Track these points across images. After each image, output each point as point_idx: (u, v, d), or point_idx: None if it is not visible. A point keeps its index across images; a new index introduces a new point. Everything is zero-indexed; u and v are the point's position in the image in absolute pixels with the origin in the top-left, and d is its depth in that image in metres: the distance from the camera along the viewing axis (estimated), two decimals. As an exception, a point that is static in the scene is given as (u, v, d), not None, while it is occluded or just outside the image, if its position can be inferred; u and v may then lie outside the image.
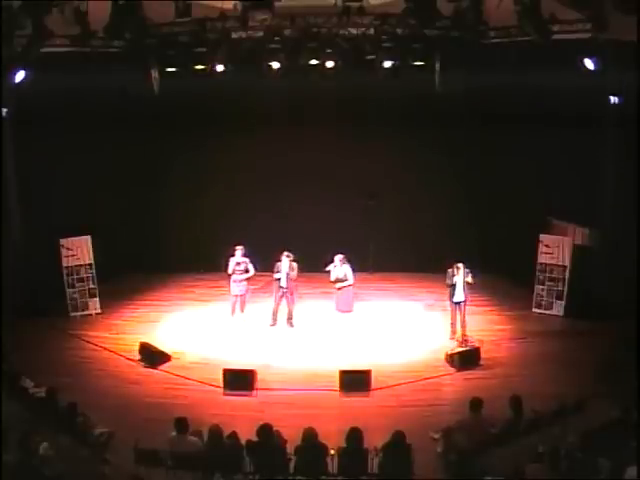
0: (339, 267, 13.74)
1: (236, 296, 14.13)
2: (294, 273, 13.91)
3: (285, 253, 13.88)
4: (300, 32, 13.68)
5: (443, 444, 9.39)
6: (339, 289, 13.81)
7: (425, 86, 14.36)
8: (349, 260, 13.89)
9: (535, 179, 14.96)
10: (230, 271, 13.96)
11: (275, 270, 13.93)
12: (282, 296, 14.11)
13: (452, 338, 13.39)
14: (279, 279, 13.96)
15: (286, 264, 13.86)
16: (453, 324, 13.44)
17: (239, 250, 13.93)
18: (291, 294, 14.10)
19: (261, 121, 15.90)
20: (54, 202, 14.96)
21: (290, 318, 14.22)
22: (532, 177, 15.01)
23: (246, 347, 13.22)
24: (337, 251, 14.06)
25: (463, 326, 13.33)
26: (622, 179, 13.35)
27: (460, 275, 13.02)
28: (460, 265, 13.04)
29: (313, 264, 15.58)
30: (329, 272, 13.84)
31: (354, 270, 13.96)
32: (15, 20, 10.43)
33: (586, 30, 12.06)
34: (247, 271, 13.93)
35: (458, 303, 13.26)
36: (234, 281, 14.03)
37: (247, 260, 13.95)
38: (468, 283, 13.04)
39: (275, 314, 14.21)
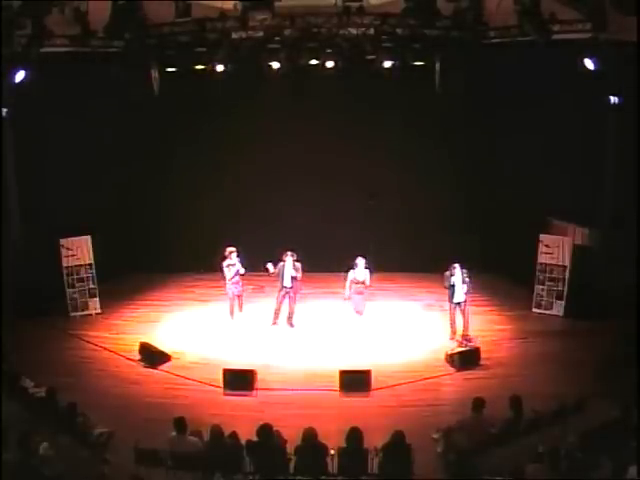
0: (361, 269, 13.65)
1: (234, 297, 14.17)
2: (300, 275, 13.89)
3: (288, 253, 13.85)
4: (300, 32, 13.69)
5: (443, 444, 9.39)
6: (358, 293, 13.72)
7: (425, 86, 14.38)
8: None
9: (535, 179, 14.95)
10: (232, 275, 13.95)
11: (277, 269, 13.85)
12: (285, 296, 14.09)
13: (452, 339, 13.39)
14: (282, 279, 13.90)
15: (289, 264, 13.84)
16: (453, 324, 13.44)
17: (234, 253, 13.93)
18: (294, 294, 14.08)
19: (261, 121, 15.91)
20: (54, 202, 14.94)
21: (290, 318, 14.21)
22: (532, 177, 15.00)
23: (246, 347, 13.21)
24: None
25: (466, 326, 13.33)
26: (622, 179, 13.34)
27: (458, 275, 13.03)
28: (456, 265, 13.05)
29: (313, 264, 15.59)
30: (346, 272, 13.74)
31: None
32: (15, 20, 10.45)
33: (586, 30, 12.08)
34: (238, 272, 13.98)
35: (458, 303, 13.26)
36: (232, 283, 14.05)
37: (239, 260, 13.97)
38: (464, 283, 13.06)
39: (277, 313, 14.20)
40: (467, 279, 13.05)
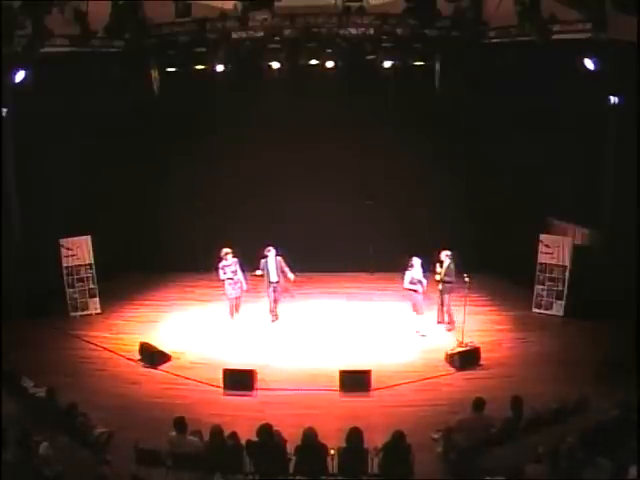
0: (418, 269, 13.61)
1: (233, 298, 14.15)
2: (287, 268, 13.95)
3: (270, 248, 13.94)
4: (300, 32, 13.71)
5: (443, 444, 9.39)
6: (413, 290, 13.68)
7: (425, 86, 14.38)
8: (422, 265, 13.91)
9: (535, 179, 14.95)
10: (228, 276, 13.95)
11: (260, 267, 13.95)
12: (274, 291, 14.18)
13: (439, 322, 13.91)
14: (268, 275, 13.99)
15: (272, 259, 13.91)
16: (439, 310, 13.92)
17: (230, 254, 13.93)
18: (280, 287, 14.17)
19: (261, 121, 15.90)
20: (54, 202, 14.94)
21: (275, 309, 14.32)
22: (532, 177, 15.00)
23: (246, 347, 13.22)
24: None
25: (448, 314, 13.82)
26: (622, 179, 13.34)
27: (445, 262, 13.45)
28: (447, 253, 13.50)
29: (313, 264, 15.63)
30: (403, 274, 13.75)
31: (355, 271, 13.95)
32: (15, 20, 10.42)
33: (586, 30, 12.08)
34: (236, 272, 14.00)
35: (440, 290, 13.68)
36: (230, 284, 14.04)
37: (236, 260, 13.98)
38: (442, 276, 13.45)
39: (274, 310, 14.27)
40: (447, 268, 13.38)
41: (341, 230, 16.35)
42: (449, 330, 13.67)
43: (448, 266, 13.51)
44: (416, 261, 13.59)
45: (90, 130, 15.11)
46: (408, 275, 13.60)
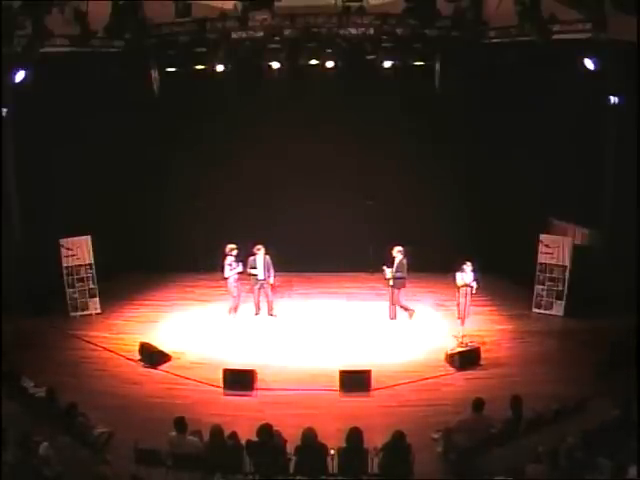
0: (469, 273, 13.15)
1: (237, 297, 14.17)
2: (272, 268, 14.10)
3: (257, 246, 14.02)
4: (300, 32, 13.72)
5: (443, 444, 9.40)
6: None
7: (425, 86, 14.39)
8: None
9: (535, 179, 14.95)
10: (239, 270, 13.95)
11: (249, 265, 14.03)
12: (260, 288, 14.26)
13: (392, 318, 14.09)
14: (257, 273, 14.11)
15: (261, 257, 14.01)
16: (390, 306, 14.15)
17: (235, 249, 13.97)
18: (268, 285, 14.26)
19: (261, 121, 15.90)
20: (54, 202, 14.93)
21: (271, 309, 14.40)
22: (532, 177, 15.00)
23: (246, 347, 13.22)
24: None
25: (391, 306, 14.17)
26: (622, 179, 13.35)
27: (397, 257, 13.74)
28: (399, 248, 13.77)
29: (313, 264, 15.62)
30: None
31: (355, 271, 13.93)
32: (15, 20, 10.44)
33: (586, 30, 12.10)
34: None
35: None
36: (235, 280, 14.04)
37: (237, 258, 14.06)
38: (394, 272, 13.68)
39: (258, 305, 14.40)
40: (399, 264, 13.59)
41: (341, 230, 16.34)
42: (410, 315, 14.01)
43: (400, 262, 13.71)
44: (467, 266, 13.24)
45: (90, 130, 15.10)
46: (459, 278, 13.12)
